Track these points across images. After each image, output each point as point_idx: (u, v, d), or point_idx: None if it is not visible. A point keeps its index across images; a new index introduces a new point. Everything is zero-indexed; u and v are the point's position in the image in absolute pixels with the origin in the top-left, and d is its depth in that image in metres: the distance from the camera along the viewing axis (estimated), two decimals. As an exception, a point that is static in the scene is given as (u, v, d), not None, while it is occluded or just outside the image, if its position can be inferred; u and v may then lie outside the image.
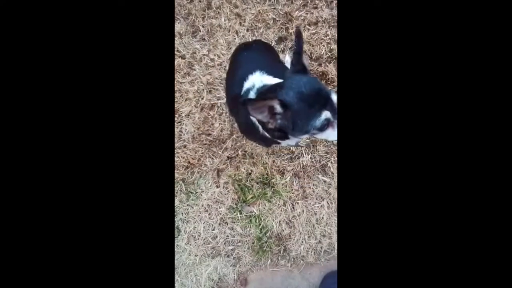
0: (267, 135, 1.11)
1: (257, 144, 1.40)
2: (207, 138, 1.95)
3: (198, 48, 2.07)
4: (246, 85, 1.17)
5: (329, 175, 1.82)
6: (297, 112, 0.91)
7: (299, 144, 1.35)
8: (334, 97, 0.93)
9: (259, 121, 1.04)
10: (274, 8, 2.07)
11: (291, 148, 1.86)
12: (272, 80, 1.15)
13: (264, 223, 1.80)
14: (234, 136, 1.94)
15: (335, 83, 1.92)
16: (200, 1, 2.14)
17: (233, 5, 2.10)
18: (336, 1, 2.04)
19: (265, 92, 1.01)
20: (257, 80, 1.16)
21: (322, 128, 0.93)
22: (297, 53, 0.96)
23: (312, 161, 1.85)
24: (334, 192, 1.78)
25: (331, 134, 0.97)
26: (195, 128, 1.96)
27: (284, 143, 1.23)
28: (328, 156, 1.84)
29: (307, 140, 1.78)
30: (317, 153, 1.85)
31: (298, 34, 0.93)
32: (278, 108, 0.91)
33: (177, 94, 2.01)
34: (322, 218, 1.76)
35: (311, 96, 0.90)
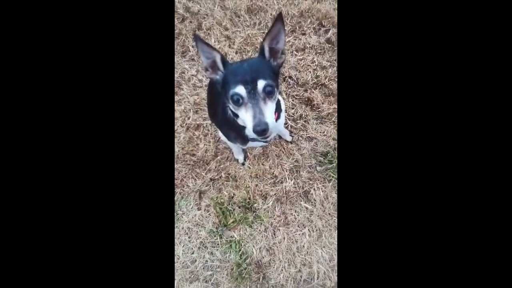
0: (238, 123, 1.18)
1: (235, 142, 1.45)
2: (191, 159, 1.93)
3: (187, 68, 2.08)
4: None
5: (312, 202, 1.80)
6: (228, 75, 1.02)
7: (260, 140, 1.33)
8: (260, 83, 0.97)
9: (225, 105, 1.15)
10: (263, 32, 2.10)
11: (273, 171, 1.85)
12: None
13: (244, 249, 1.77)
14: (218, 157, 1.92)
15: (320, 109, 1.93)
16: (191, 22, 2.17)
17: (223, 27, 2.13)
18: (330, 27, 2.08)
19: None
20: None
21: (235, 101, 0.99)
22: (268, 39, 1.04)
23: (295, 187, 1.84)
24: (316, 220, 1.77)
25: (243, 116, 0.99)
26: (179, 148, 1.94)
27: (247, 132, 1.24)
28: (311, 182, 1.83)
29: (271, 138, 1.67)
30: (300, 179, 1.84)
31: (279, 21, 1.00)
32: (218, 62, 1.03)
33: (163, 113, 2.00)
34: (303, 246, 1.74)
35: (245, 71, 0.98)
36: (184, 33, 2.13)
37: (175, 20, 2.17)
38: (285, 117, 1.94)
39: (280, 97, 1.42)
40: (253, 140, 1.32)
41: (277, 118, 1.28)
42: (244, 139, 1.34)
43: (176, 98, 2.02)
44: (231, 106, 1.05)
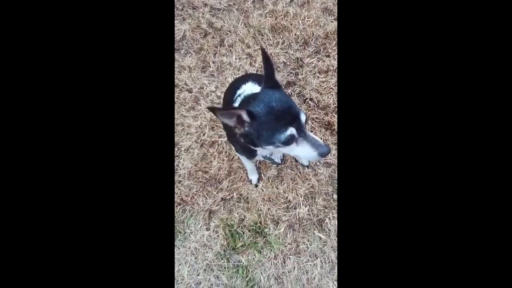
0: (241, 139, 1.16)
1: (241, 155, 1.44)
2: (204, 176, 1.88)
3: (206, 83, 2.06)
4: (238, 92, 1.27)
5: (326, 232, 1.71)
6: (263, 123, 0.99)
7: (272, 158, 1.36)
8: (303, 117, 1.01)
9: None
10: (286, 52, 2.07)
11: (287, 196, 1.78)
12: None
13: (251, 275, 1.68)
14: (231, 177, 1.87)
15: (341, 135, 1.86)
16: (213, 37, 2.16)
17: (245, 45, 2.11)
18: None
19: (247, 99, 1.09)
20: (248, 88, 1.25)
21: (286, 142, 1.00)
22: (269, 70, 1.03)
23: (309, 214, 1.76)
24: (329, 251, 1.67)
25: (295, 150, 1.04)
26: (192, 164, 1.90)
27: (259, 151, 1.25)
28: (326, 211, 1.75)
29: (280, 157, 1.63)
30: (315, 206, 1.76)
31: (265, 55, 1.02)
32: (245, 117, 0.98)
33: (179, 128, 1.98)
34: (314, 278, 1.64)
35: (280, 111, 0.98)
36: (206, 48, 2.13)
37: (198, 35, 2.17)
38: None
39: None
40: (267, 158, 1.32)
41: None
42: (251, 154, 1.32)
43: (193, 113, 2.00)
44: (279, 144, 1.02)
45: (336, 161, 1.83)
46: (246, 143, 1.16)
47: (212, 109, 0.95)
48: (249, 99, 1.06)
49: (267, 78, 1.05)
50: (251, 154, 1.34)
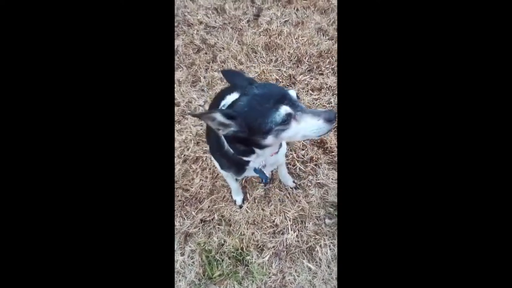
0: (231, 151, 1.09)
1: (227, 171, 1.30)
2: (183, 194, 1.71)
3: (195, 97, 1.97)
4: (222, 102, 1.21)
5: (316, 262, 1.49)
6: (250, 113, 0.91)
7: (263, 170, 1.20)
8: (293, 93, 0.93)
9: (224, 136, 1.06)
10: (279, 70, 2.01)
11: (274, 219, 1.59)
12: None
13: (228, 312, 1.44)
14: (213, 196, 1.70)
15: (334, 153, 1.72)
16: (206, 53, 2.13)
17: (238, 61, 2.06)
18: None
19: (230, 106, 1.02)
20: (233, 98, 1.15)
21: (284, 122, 0.90)
22: (239, 78, 1.07)
23: (298, 241, 1.55)
24: (320, 285, 1.44)
25: (299, 128, 0.92)
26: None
27: (251, 162, 1.14)
28: (317, 237, 1.54)
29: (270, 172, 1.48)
30: (305, 231, 1.56)
31: (224, 73, 1.12)
32: (221, 118, 0.92)
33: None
34: (301, 317, 1.40)
35: (266, 94, 0.91)
36: (198, 63, 2.08)
37: (190, 50, 2.14)
38: (295, 158, 1.74)
39: None
40: (258, 171, 1.18)
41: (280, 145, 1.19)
42: (239, 169, 1.19)
43: (178, 127, 1.88)
44: (278, 128, 0.92)
45: (329, 182, 1.66)
46: (240, 150, 1.07)
47: (193, 115, 0.98)
48: (233, 104, 0.99)
49: (243, 83, 1.02)
50: (240, 169, 1.20)
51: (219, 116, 0.91)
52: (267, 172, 1.21)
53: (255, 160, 1.12)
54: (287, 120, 0.90)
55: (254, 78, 1.98)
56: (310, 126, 0.91)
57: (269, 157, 1.15)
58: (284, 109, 0.89)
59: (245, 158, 1.09)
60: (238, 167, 1.18)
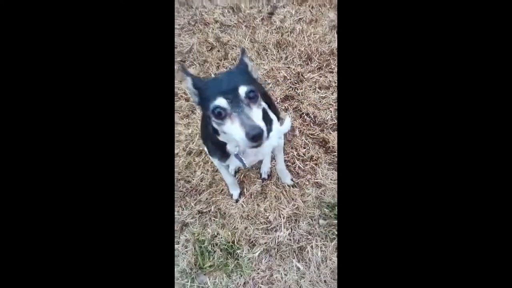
0: (216, 136, 1.10)
1: (214, 157, 1.33)
2: (185, 186, 1.77)
3: (204, 93, 2.03)
4: None
5: (306, 262, 1.45)
6: (204, 92, 0.95)
7: (241, 157, 1.18)
8: (242, 89, 0.89)
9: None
10: (288, 67, 2.00)
11: (269, 215, 1.58)
12: None
13: (215, 303, 1.46)
14: (212, 188, 1.73)
15: (335, 154, 1.66)
16: (218, 51, 2.18)
17: (248, 58, 2.08)
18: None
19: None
20: None
21: (217, 116, 0.89)
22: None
23: (290, 239, 1.52)
24: (306, 286, 1.40)
25: (230, 128, 0.89)
26: (176, 173, 1.81)
27: (229, 148, 1.15)
28: (309, 237, 1.50)
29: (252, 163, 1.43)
30: (298, 230, 1.53)
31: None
32: (189, 84, 0.98)
33: (170, 134, 1.93)
34: (285, 317, 1.37)
35: (220, 81, 0.95)
36: (210, 61, 2.13)
37: (204, 48, 2.20)
38: (295, 156, 1.71)
39: (275, 121, 1.26)
40: (236, 155, 1.18)
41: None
42: (223, 154, 1.20)
43: (186, 121, 1.95)
44: (214, 123, 0.95)
45: (327, 182, 1.61)
46: (213, 128, 1.06)
47: (181, 69, 1.00)
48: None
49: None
50: (223, 154, 1.21)
51: (188, 81, 0.98)
52: (248, 160, 1.20)
53: (229, 144, 1.13)
54: (220, 115, 0.88)
55: (262, 75, 2.00)
56: (236, 133, 0.86)
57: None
58: (219, 102, 0.87)
59: (219, 138, 1.08)
60: (221, 151, 1.19)
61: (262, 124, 0.87)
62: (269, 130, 1.19)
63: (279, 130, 1.34)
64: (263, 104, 1.20)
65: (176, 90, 2.06)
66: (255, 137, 0.82)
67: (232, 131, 0.88)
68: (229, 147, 1.16)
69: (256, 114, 0.91)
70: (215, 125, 0.97)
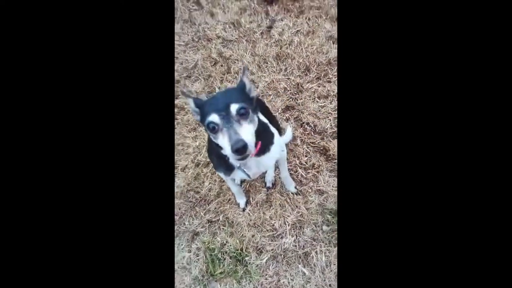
0: (221, 152, 1.14)
1: (219, 171, 1.41)
2: (194, 196, 1.87)
3: (209, 107, 2.13)
4: None
5: (311, 267, 1.52)
6: (203, 109, 1.03)
7: (243, 169, 1.25)
8: (233, 107, 0.97)
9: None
10: (288, 78, 2.08)
11: (274, 223, 1.65)
12: None
13: (227, 308, 1.54)
14: (220, 198, 1.82)
15: (335, 161, 1.73)
16: (221, 66, 2.28)
17: (250, 71, 2.17)
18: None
19: None
20: None
21: (211, 130, 0.99)
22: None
23: (295, 245, 1.60)
24: (312, 290, 1.47)
25: (223, 143, 0.97)
26: (185, 183, 1.91)
27: (231, 161, 1.20)
28: (314, 243, 1.57)
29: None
30: (302, 237, 1.60)
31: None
32: (192, 105, 1.08)
33: (179, 147, 2.03)
34: (293, 320, 1.44)
35: (216, 99, 1.04)
36: (214, 75, 2.24)
37: (208, 63, 2.31)
38: (297, 165, 1.79)
39: (277, 135, 1.32)
40: (239, 168, 1.24)
41: (263, 149, 1.22)
42: (228, 167, 1.27)
43: (193, 134, 2.05)
44: (211, 136, 1.06)
45: (329, 189, 1.68)
46: (216, 143, 1.14)
47: (182, 93, 1.11)
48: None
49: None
50: (228, 168, 1.29)
51: (191, 102, 1.08)
52: (251, 172, 1.27)
53: (231, 157, 1.20)
54: (214, 129, 0.97)
55: (263, 87, 2.08)
56: (225, 146, 0.95)
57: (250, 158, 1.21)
58: (212, 118, 0.96)
59: (223, 152, 1.14)
60: (226, 165, 1.26)
61: (249, 138, 0.95)
62: (270, 143, 1.27)
63: (280, 143, 1.41)
64: (264, 119, 1.29)
65: (183, 105, 2.17)
66: (239, 150, 0.90)
67: (223, 144, 0.97)
68: (231, 160, 1.23)
69: (245, 129, 0.99)
70: (212, 139, 1.06)
